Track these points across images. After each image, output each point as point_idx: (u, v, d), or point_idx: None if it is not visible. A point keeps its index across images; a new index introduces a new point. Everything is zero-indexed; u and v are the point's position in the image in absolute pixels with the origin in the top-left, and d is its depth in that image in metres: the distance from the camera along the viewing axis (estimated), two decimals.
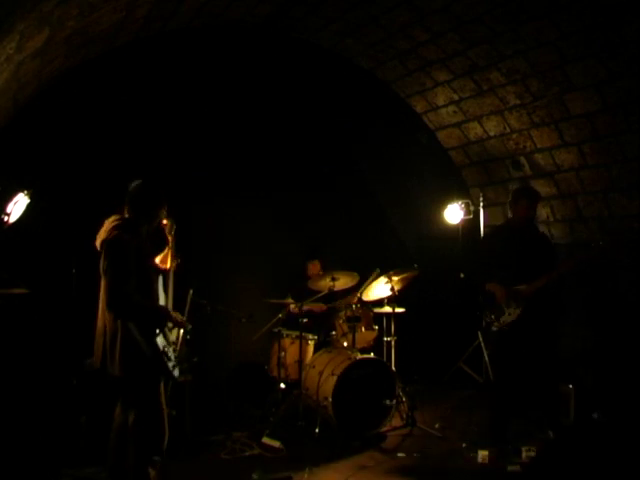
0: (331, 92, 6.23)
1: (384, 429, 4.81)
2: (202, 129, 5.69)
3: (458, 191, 6.44)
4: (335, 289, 5.20)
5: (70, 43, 4.02)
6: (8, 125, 4.40)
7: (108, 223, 3.25)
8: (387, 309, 5.33)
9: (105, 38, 4.55)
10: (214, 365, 5.30)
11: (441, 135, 6.46)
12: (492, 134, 5.87)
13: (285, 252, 5.99)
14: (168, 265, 3.57)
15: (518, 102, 5.34)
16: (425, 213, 6.62)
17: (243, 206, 5.85)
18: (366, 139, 6.65)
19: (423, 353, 6.25)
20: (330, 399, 4.59)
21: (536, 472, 3.79)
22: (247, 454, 4.29)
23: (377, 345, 5.49)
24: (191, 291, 4.51)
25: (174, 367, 3.28)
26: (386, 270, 5.08)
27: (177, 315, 3.37)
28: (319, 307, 5.58)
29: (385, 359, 5.23)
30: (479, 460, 4.14)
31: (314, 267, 5.85)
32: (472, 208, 6.21)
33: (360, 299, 5.28)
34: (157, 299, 3.32)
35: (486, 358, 5.64)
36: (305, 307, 5.11)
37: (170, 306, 3.50)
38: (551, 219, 5.73)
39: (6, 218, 3.61)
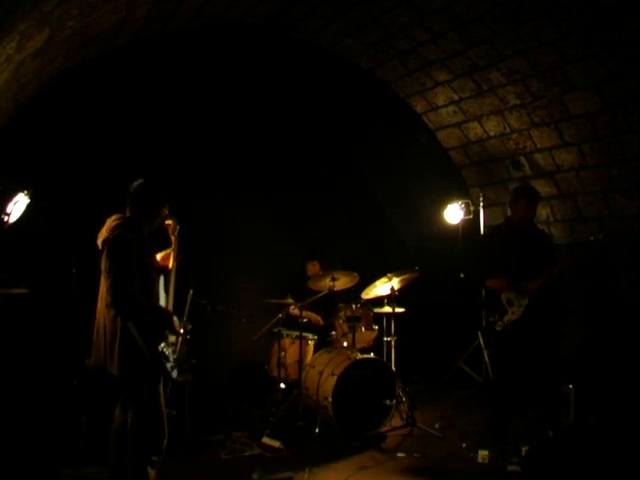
0: (331, 92, 6.23)
1: (384, 429, 4.81)
2: (202, 129, 5.69)
3: (458, 191, 6.45)
4: (335, 289, 5.20)
5: (70, 43, 4.02)
6: (8, 125, 4.40)
7: (110, 222, 3.25)
8: (387, 309, 5.33)
9: (105, 38, 4.55)
10: (214, 365, 5.30)
11: (441, 135, 6.46)
12: (492, 134, 5.87)
13: (285, 252, 5.99)
14: (170, 264, 3.57)
15: (518, 102, 5.35)
16: (425, 213, 6.62)
17: (243, 206, 5.85)
18: (366, 139, 6.65)
19: (423, 353, 6.25)
20: (330, 399, 4.59)
21: (532, 471, 3.79)
22: (247, 454, 4.29)
23: (377, 345, 5.48)
24: (191, 291, 4.51)
25: (173, 368, 3.28)
26: (387, 271, 5.09)
27: (176, 321, 3.36)
28: (317, 321, 5.59)
29: (385, 359, 5.23)
30: (479, 460, 4.14)
31: (313, 267, 5.85)
32: (472, 208, 6.21)
33: (360, 298, 5.29)
34: (158, 299, 3.33)
35: (486, 358, 5.64)
36: (304, 316, 5.12)
37: (170, 306, 3.50)
38: (551, 219, 5.73)
39: (6, 218, 3.61)
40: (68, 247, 4.56)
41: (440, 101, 6.04)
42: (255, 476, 3.80)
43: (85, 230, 3.44)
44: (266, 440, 4.48)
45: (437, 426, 4.92)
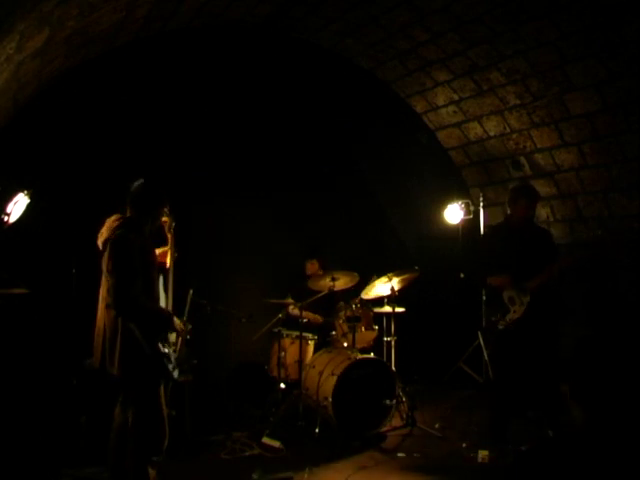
0: (331, 92, 6.23)
1: (384, 429, 4.81)
2: (202, 129, 5.69)
3: (458, 191, 6.44)
4: (335, 289, 5.20)
5: (70, 43, 4.02)
6: (8, 125, 4.40)
7: (110, 222, 3.25)
8: (387, 309, 5.33)
9: (105, 38, 4.55)
10: (214, 365, 5.30)
11: (441, 135, 6.46)
12: (492, 134, 5.87)
13: (285, 252, 5.99)
14: (167, 262, 3.56)
15: (518, 102, 5.35)
16: (425, 213, 6.62)
17: (243, 206, 5.85)
18: (366, 139, 6.65)
19: (423, 353, 6.25)
20: (330, 399, 4.59)
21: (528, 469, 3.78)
22: (247, 454, 4.29)
23: (377, 345, 5.48)
24: (191, 291, 4.51)
25: (174, 368, 3.28)
26: (387, 271, 5.09)
27: (177, 322, 3.37)
28: (316, 320, 5.60)
29: (385, 359, 5.23)
30: (479, 460, 4.14)
31: (312, 266, 5.85)
32: (472, 208, 6.21)
33: (360, 298, 5.29)
34: (158, 299, 3.33)
35: (486, 358, 5.63)
36: (304, 316, 5.12)
37: (170, 306, 3.50)
38: (551, 219, 5.73)
39: (6, 218, 3.61)
40: (68, 247, 4.56)
41: (440, 101, 6.04)
42: (255, 476, 3.80)
43: (85, 230, 3.44)
44: (266, 440, 4.48)
45: (437, 426, 4.92)
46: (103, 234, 3.22)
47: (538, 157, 5.58)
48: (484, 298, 4.83)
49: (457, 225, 6.21)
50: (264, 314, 5.37)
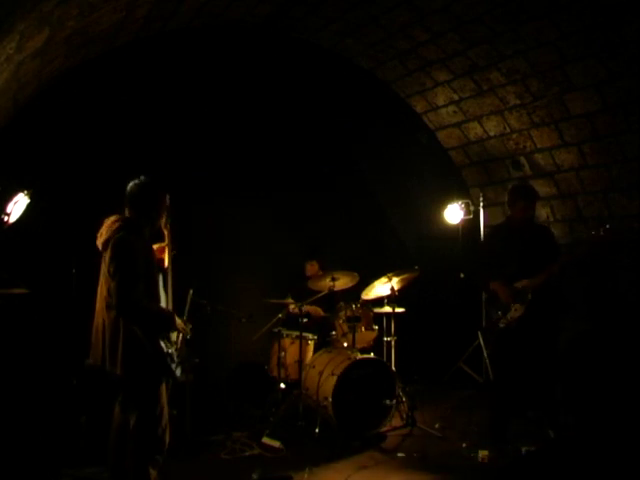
0: (331, 92, 6.23)
1: (384, 429, 4.81)
2: (202, 129, 5.69)
3: (458, 191, 6.45)
4: (335, 289, 5.20)
5: (70, 43, 4.03)
6: (8, 125, 4.40)
7: (109, 223, 3.23)
8: (387, 309, 5.33)
9: (105, 38, 4.55)
10: (214, 365, 5.30)
11: (441, 135, 6.46)
12: (492, 134, 5.87)
13: (285, 252, 5.99)
14: (166, 260, 3.55)
15: (518, 102, 5.35)
16: (425, 213, 6.62)
17: (243, 206, 5.85)
18: (366, 139, 6.65)
19: (423, 353, 6.25)
20: (330, 399, 4.59)
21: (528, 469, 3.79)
22: (247, 454, 4.29)
23: (377, 345, 5.48)
24: (191, 291, 4.51)
25: (176, 367, 3.29)
26: (386, 271, 5.09)
27: (179, 321, 3.37)
28: (317, 312, 5.60)
29: (385, 359, 5.23)
30: (479, 460, 4.14)
31: (312, 267, 5.85)
32: (472, 208, 6.21)
33: (360, 298, 5.29)
34: (159, 300, 3.33)
35: (486, 358, 5.64)
36: (304, 310, 5.12)
37: (170, 306, 3.50)
38: (551, 219, 5.73)
39: (6, 218, 3.61)
40: (68, 247, 4.56)
41: (440, 101, 6.04)
42: (255, 476, 3.80)
43: (85, 230, 3.43)
44: (266, 440, 4.48)
45: (437, 426, 4.91)
46: (102, 235, 3.21)
47: (538, 157, 5.58)
48: (484, 298, 4.83)
49: (457, 225, 6.21)
50: (264, 314, 5.37)
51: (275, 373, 5.21)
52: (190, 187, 5.38)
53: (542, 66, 4.86)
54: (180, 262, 3.69)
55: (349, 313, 5.22)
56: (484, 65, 5.24)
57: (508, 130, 5.68)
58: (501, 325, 4.30)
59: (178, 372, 3.32)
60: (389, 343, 5.33)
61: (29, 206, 3.75)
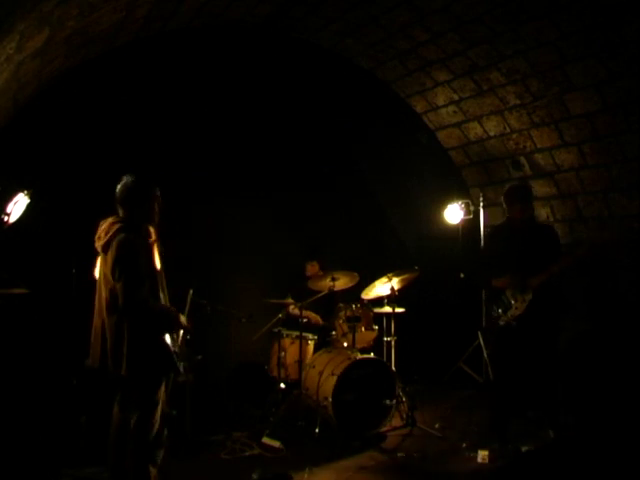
0: (331, 92, 6.23)
1: (384, 429, 4.81)
2: (202, 129, 5.69)
3: (458, 191, 6.44)
4: (335, 289, 5.20)
5: (70, 43, 4.03)
6: (8, 125, 4.40)
7: (107, 225, 3.22)
8: (387, 309, 5.33)
9: (105, 38, 4.55)
10: (214, 365, 5.29)
11: (441, 135, 6.46)
12: (492, 134, 5.87)
13: (285, 252, 5.99)
14: (156, 257, 3.51)
15: (518, 102, 5.35)
16: (425, 213, 6.62)
17: (243, 206, 5.85)
18: (366, 139, 6.65)
19: (423, 353, 6.25)
20: (330, 399, 4.59)
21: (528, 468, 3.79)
22: (247, 454, 4.29)
23: (377, 345, 5.48)
24: (191, 291, 4.50)
25: (180, 363, 3.32)
26: (387, 271, 5.09)
27: (183, 318, 3.38)
28: (316, 320, 5.60)
29: (385, 359, 5.23)
30: (479, 460, 4.14)
31: (312, 268, 5.85)
32: (472, 208, 6.21)
33: (360, 298, 5.29)
34: (160, 298, 3.33)
35: (486, 358, 5.64)
36: (304, 315, 5.12)
37: (167, 304, 3.50)
38: (551, 219, 5.73)
39: (6, 218, 3.61)
40: (68, 247, 4.55)
41: (440, 101, 6.04)
42: (255, 476, 3.80)
43: (85, 230, 3.44)
44: (266, 440, 4.48)
45: (437, 426, 4.92)
46: (101, 238, 3.19)
47: (538, 157, 5.58)
48: (484, 298, 4.83)
49: (457, 225, 6.21)
50: (264, 314, 5.37)
51: (275, 373, 5.21)
52: (190, 187, 5.39)
53: (542, 66, 4.86)
54: (180, 262, 3.69)
55: (349, 313, 5.23)
56: (484, 65, 5.24)
57: (508, 130, 5.68)
58: (501, 323, 4.30)
59: (181, 368, 3.35)
60: (389, 343, 5.33)
61: (29, 206, 3.75)
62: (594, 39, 4.35)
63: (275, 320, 5.35)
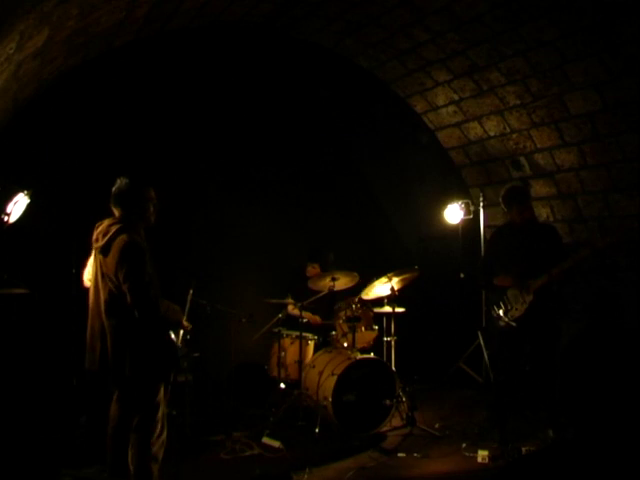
0: (331, 92, 6.23)
1: (384, 429, 4.81)
2: (202, 129, 5.69)
3: (458, 191, 6.44)
4: (335, 289, 5.20)
5: (70, 43, 4.03)
6: (8, 125, 4.40)
7: (105, 227, 3.21)
8: (387, 309, 5.33)
9: (105, 38, 4.55)
10: (214, 365, 5.30)
11: (441, 135, 6.45)
12: (492, 134, 5.87)
13: (285, 252, 5.99)
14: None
15: (518, 102, 5.34)
16: (425, 213, 6.62)
17: (243, 206, 5.85)
18: (366, 139, 6.65)
19: (423, 353, 6.25)
20: (330, 399, 4.59)
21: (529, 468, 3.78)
22: (247, 454, 4.29)
23: (377, 345, 5.48)
24: (191, 291, 4.51)
25: (181, 359, 3.35)
26: (387, 271, 5.08)
27: (183, 318, 3.41)
28: (315, 321, 5.59)
29: (385, 359, 5.23)
30: (479, 460, 4.14)
31: (314, 270, 5.84)
32: (472, 208, 6.20)
33: (360, 298, 5.29)
34: (160, 294, 3.35)
35: (486, 358, 5.63)
36: (304, 317, 5.12)
37: None
38: (551, 219, 5.73)
39: (6, 218, 3.61)
40: (68, 247, 4.55)
41: (440, 101, 6.04)
42: (255, 476, 3.80)
43: (85, 230, 3.44)
44: (266, 440, 4.48)
45: (437, 426, 4.92)
46: (100, 240, 3.19)
47: (538, 157, 5.58)
48: (484, 298, 4.83)
49: (457, 225, 6.21)
50: (264, 314, 5.37)
51: (275, 373, 5.21)
52: (190, 187, 5.39)
53: (542, 66, 4.86)
54: (180, 262, 3.69)
55: (349, 313, 5.23)
56: (484, 65, 5.23)
57: (508, 130, 5.68)
58: (501, 324, 4.30)
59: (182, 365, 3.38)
60: (389, 343, 5.33)
61: (29, 206, 3.75)
62: (594, 39, 4.34)
63: (275, 320, 5.35)
